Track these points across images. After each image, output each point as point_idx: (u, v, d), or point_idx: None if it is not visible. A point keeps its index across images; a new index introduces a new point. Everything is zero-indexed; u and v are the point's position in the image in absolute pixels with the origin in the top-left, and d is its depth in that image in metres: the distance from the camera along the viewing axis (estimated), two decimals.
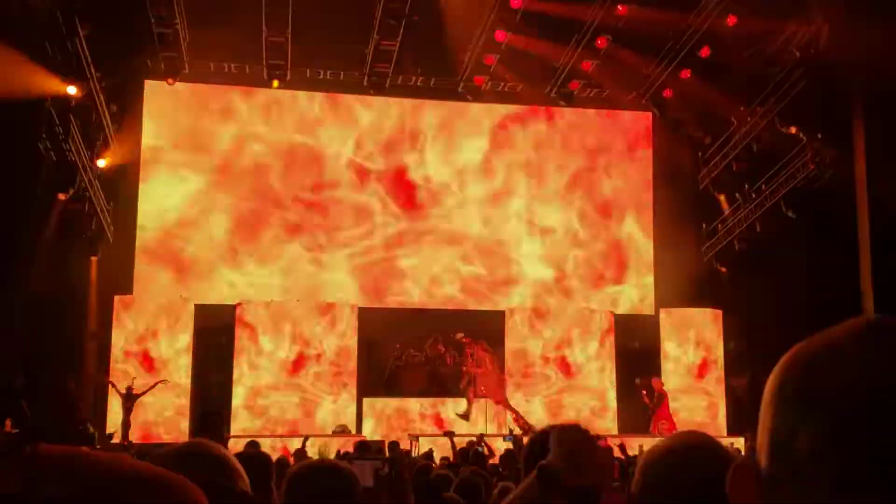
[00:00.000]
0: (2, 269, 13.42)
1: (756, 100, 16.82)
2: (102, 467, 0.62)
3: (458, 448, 10.40)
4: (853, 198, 14.38)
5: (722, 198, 18.30)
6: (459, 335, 16.87)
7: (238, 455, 3.51)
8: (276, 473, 2.69)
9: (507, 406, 15.56)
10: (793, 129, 15.84)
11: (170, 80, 16.73)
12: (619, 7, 15.46)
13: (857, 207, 14.32)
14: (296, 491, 2.39)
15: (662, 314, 17.48)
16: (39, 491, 0.58)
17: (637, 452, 11.48)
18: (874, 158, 13.97)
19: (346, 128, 18.01)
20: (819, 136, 15.54)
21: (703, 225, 18.76)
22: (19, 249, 13.93)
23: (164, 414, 15.14)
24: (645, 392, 15.86)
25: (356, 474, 2.46)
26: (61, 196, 14.49)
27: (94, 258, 16.18)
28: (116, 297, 15.75)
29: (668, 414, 15.70)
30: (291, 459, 9.21)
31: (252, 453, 4.39)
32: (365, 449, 9.11)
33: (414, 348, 16.62)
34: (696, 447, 1.57)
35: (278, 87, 17.22)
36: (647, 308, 18.46)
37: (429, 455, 10.74)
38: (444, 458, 9.78)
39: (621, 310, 17.99)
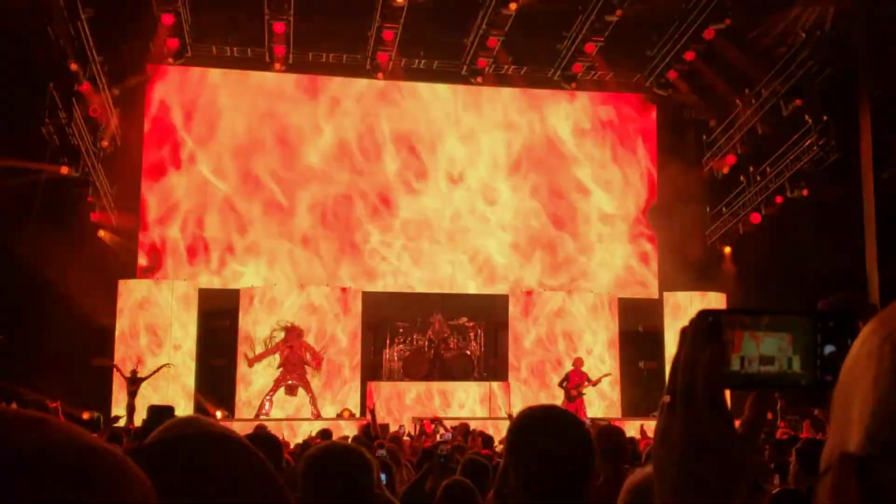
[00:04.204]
0: (6, 255, 13.42)
1: (761, 82, 16.72)
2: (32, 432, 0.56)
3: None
4: (859, 179, 14.31)
5: (726, 171, 18.15)
6: (463, 319, 16.87)
7: (248, 437, 3.51)
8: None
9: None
10: (798, 102, 15.71)
11: (171, 63, 16.68)
12: None
13: (863, 189, 14.25)
14: (313, 473, 2.37)
15: (666, 298, 17.45)
16: None
17: (638, 436, 11.45)
18: (880, 140, 13.89)
19: (354, 113, 17.93)
20: (825, 117, 15.46)
21: (708, 208, 18.69)
22: (22, 234, 13.91)
23: (169, 397, 15.13)
24: (571, 381, 14.58)
25: (371, 457, 2.46)
26: (63, 171, 14.41)
27: (97, 242, 16.15)
28: (120, 281, 15.75)
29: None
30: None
31: (262, 434, 4.37)
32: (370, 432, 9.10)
33: (417, 332, 16.61)
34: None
35: (278, 71, 17.10)
36: (651, 292, 18.42)
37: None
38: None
39: (624, 293, 17.94)
